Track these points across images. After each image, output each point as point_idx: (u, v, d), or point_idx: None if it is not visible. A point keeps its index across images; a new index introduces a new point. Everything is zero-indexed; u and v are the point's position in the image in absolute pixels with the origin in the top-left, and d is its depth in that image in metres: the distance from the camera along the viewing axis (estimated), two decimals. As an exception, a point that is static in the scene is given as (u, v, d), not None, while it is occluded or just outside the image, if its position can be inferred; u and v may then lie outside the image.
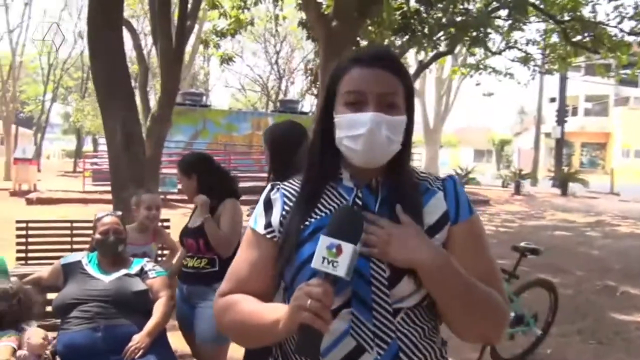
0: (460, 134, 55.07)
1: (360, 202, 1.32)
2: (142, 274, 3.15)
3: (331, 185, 1.37)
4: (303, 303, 1.12)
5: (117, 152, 4.08)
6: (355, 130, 1.26)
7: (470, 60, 20.09)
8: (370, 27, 12.36)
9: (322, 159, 1.36)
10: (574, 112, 43.20)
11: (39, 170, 23.59)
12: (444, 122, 30.77)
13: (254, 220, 1.41)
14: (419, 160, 26.54)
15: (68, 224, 5.76)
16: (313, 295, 1.12)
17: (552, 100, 35.26)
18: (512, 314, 4.43)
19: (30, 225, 5.68)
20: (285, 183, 1.43)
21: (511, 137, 50.67)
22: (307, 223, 1.32)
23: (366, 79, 1.29)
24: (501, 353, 4.40)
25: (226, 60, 14.50)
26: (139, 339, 2.82)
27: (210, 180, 3.24)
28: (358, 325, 1.24)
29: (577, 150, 44.73)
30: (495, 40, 17.35)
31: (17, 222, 5.72)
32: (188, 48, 24.66)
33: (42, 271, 3.35)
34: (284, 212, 1.37)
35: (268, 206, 1.40)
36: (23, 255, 5.58)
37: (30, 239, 5.63)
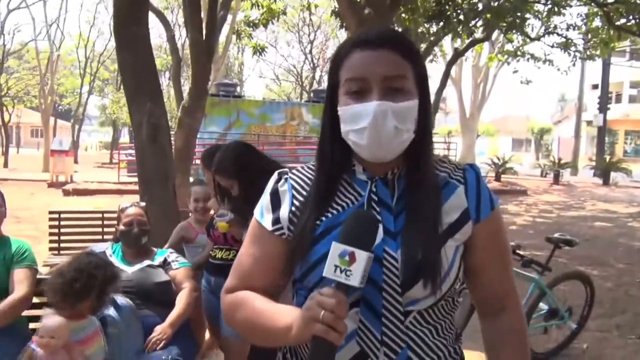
0: (498, 123, 54.12)
1: (375, 197, 1.23)
2: (165, 265, 3.14)
3: (344, 179, 1.27)
4: (316, 314, 1.04)
5: (143, 144, 4.08)
6: (358, 123, 1.15)
7: (508, 47, 19.60)
8: (403, 15, 12.14)
9: (333, 153, 1.25)
10: (618, 99, 41.92)
11: (76, 162, 24.17)
12: (481, 111, 30.22)
13: (260, 212, 1.31)
14: (454, 149, 26.07)
15: (99, 215, 5.84)
16: (326, 306, 1.03)
17: (595, 87, 34.26)
18: (546, 307, 4.30)
19: (62, 216, 5.78)
20: (294, 171, 1.34)
21: (551, 125, 49.54)
22: (318, 221, 1.23)
23: (368, 63, 1.16)
24: (534, 347, 4.26)
25: (259, 50, 14.48)
26: (161, 330, 2.80)
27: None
28: (364, 332, 1.17)
29: (621, 139, 43.39)
30: (534, 25, 16.87)
31: (50, 212, 5.83)
32: (222, 39, 24.82)
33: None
34: (293, 208, 1.27)
35: (275, 199, 1.30)
36: (56, 245, 5.69)
37: (62, 230, 5.73)
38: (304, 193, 1.28)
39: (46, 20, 30.80)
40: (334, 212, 1.23)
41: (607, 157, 25.05)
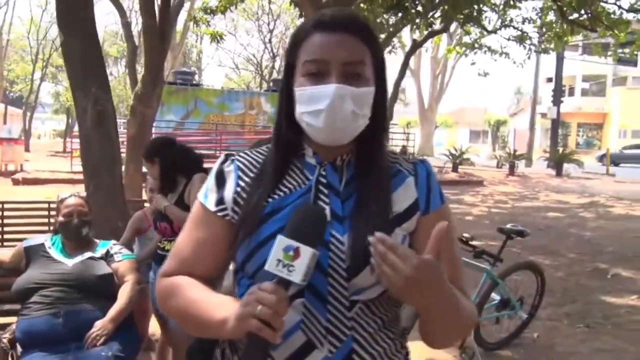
0: (456, 115, 54.99)
1: (324, 181, 1.20)
2: (107, 257, 3.01)
3: (293, 162, 1.24)
4: (252, 310, 0.99)
5: (88, 130, 3.93)
6: (315, 104, 1.13)
7: (466, 39, 19.85)
8: (361, 5, 12.11)
9: (286, 135, 1.22)
10: (571, 92, 43.14)
11: (27, 150, 23.40)
12: (439, 102, 30.67)
13: (204, 194, 1.26)
14: (412, 140, 26.34)
15: (45, 205, 5.62)
16: (265, 302, 0.99)
17: (549, 80, 35.10)
18: (498, 298, 4.34)
19: (6, 206, 5.54)
20: (241, 154, 1.29)
21: (507, 117, 50.61)
22: (265, 202, 1.19)
23: (329, 46, 1.13)
24: (485, 337, 4.31)
25: (216, 38, 14.21)
26: (101, 325, 2.68)
27: (172, 162, 3.26)
28: (310, 319, 1.12)
29: (574, 131, 44.69)
30: (490, 18, 17.12)
31: (-8, 203, 5.58)
32: (179, 26, 24.42)
33: (4, 254, 3.21)
34: (238, 189, 1.23)
35: (220, 180, 1.26)
36: (-1, 237, 5.46)
37: (6, 220, 5.51)
38: (251, 175, 1.25)
39: (-5, 3, 29.63)
40: (281, 194, 1.20)
41: (560, 149, 25.71)
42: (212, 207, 1.24)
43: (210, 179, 1.28)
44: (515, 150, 24.45)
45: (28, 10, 70.24)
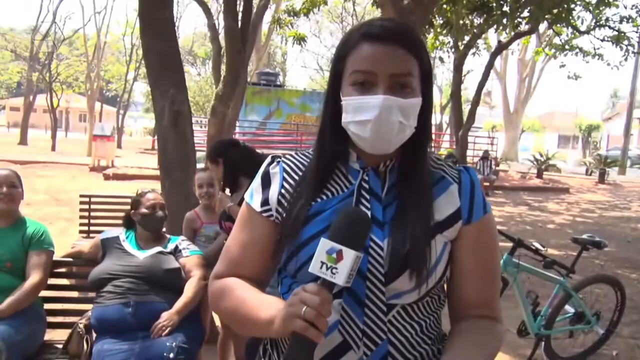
0: (545, 119, 52.83)
1: (366, 186, 1.22)
2: (176, 252, 3.15)
3: (338, 166, 1.26)
4: (297, 310, 1.02)
5: (165, 130, 4.10)
6: (362, 115, 1.14)
7: (557, 40, 19.00)
8: (445, 6, 11.88)
9: (331, 140, 1.24)
10: (672, 96, 40.23)
11: (119, 147, 24.67)
12: (525, 106, 29.56)
13: (250, 194, 1.31)
14: (496, 145, 25.54)
15: (129, 200, 5.90)
16: (309, 303, 1.01)
17: (649, 82, 32.99)
18: (572, 311, 4.15)
19: (93, 199, 5.87)
20: (287, 156, 1.33)
21: (600, 122, 47.98)
22: (308, 205, 1.22)
23: (377, 58, 1.14)
24: (558, 351, 4.12)
25: (298, 40, 14.39)
26: (167, 317, 2.81)
27: (235, 163, 3.35)
28: (347, 321, 1.15)
29: (675, 138, 41.71)
30: (584, 18, 16.29)
31: (81, 196, 5.94)
32: (265, 28, 24.91)
33: (84, 244, 3.42)
34: (282, 190, 1.27)
35: (266, 181, 1.30)
36: (85, 228, 5.80)
37: (92, 213, 5.84)
38: (296, 177, 1.28)
39: (94, 8, 31.51)
40: (324, 197, 1.23)
41: (658, 157, 24.09)
42: (257, 207, 1.28)
43: (257, 180, 1.32)
44: (606, 157, 23.14)
45: (124, 14, 74.25)
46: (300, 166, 1.30)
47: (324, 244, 1.05)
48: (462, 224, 1.21)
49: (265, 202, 1.28)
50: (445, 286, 1.27)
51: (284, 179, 1.28)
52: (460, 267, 1.23)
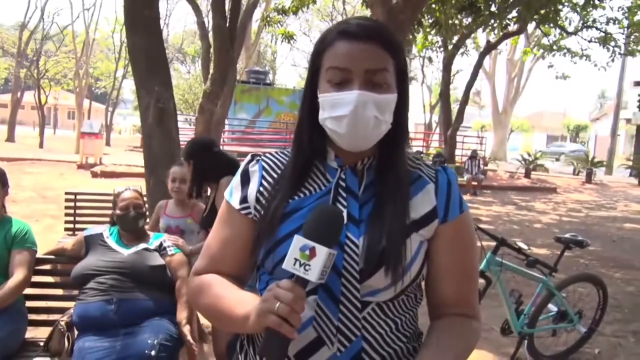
0: (533, 119, 53.19)
1: (343, 184, 1.23)
2: (160, 249, 3.14)
3: (316, 164, 1.27)
4: (271, 306, 1.03)
5: (150, 127, 4.09)
6: (338, 110, 1.16)
7: (545, 40, 19.13)
8: (433, 5, 11.93)
9: (309, 137, 1.26)
10: (659, 97, 40.57)
11: (108, 145, 24.51)
12: (514, 106, 29.70)
13: (230, 192, 1.33)
14: (484, 144, 25.66)
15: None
16: (282, 299, 1.03)
17: (637, 84, 33.28)
18: (555, 309, 4.18)
19: (78, 197, 5.83)
20: (267, 154, 1.35)
21: (588, 122, 48.35)
22: (285, 203, 1.24)
23: (352, 55, 1.16)
24: (541, 349, 4.16)
25: (287, 38, 14.40)
26: (187, 344, 2.85)
27: (203, 169, 3.39)
28: (322, 317, 1.16)
29: (661, 139, 42.05)
30: (571, 19, 16.42)
31: (66, 193, 5.90)
32: (254, 26, 24.86)
33: (67, 242, 3.41)
34: (260, 188, 1.28)
35: (245, 179, 1.31)
36: (71, 226, 5.76)
37: (78, 210, 5.79)
38: (274, 175, 1.29)
39: (83, 5, 31.27)
40: (301, 195, 1.24)
41: (645, 157, 24.32)
42: (236, 205, 1.30)
43: (236, 178, 1.33)
44: (593, 157, 23.33)
45: (113, 11, 73.74)
46: (280, 164, 1.31)
47: (298, 241, 1.06)
48: (438, 222, 1.22)
49: (244, 199, 1.29)
50: (422, 285, 1.29)
51: (262, 177, 1.30)
52: (437, 265, 1.24)
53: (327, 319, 1.15)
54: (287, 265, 1.06)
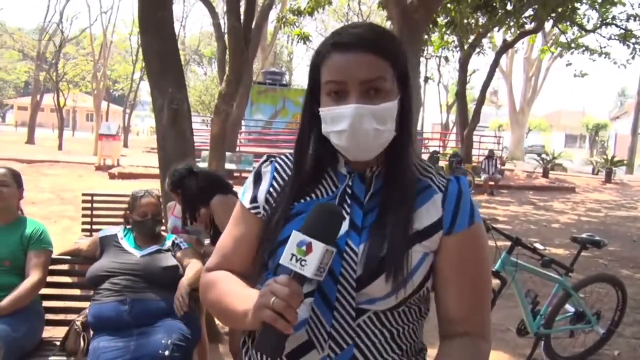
0: (551, 118, 52.64)
1: (350, 191, 1.22)
2: (173, 247, 3.18)
3: (328, 170, 1.27)
4: (267, 301, 1.04)
5: (164, 128, 4.12)
6: (338, 125, 1.15)
7: (562, 38, 18.92)
8: (449, 5, 11.86)
9: (315, 147, 1.26)
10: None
11: (125, 146, 24.74)
12: (532, 105, 29.43)
13: (243, 191, 1.35)
14: (501, 144, 25.44)
15: (131, 198, 5.93)
16: (278, 293, 1.03)
17: (658, 81, 32.76)
18: (572, 310, 4.13)
19: (95, 198, 5.90)
20: (282, 156, 1.35)
21: (607, 121, 47.71)
22: (292, 205, 1.25)
23: (346, 66, 1.14)
24: (558, 350, 4.11)
25: (302, 39, 14.43)
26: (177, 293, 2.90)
27: (192, 194, 3.43)
28: (315, 322, 1.15)
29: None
30: (590, 16, 16.21)
31: (84, 195, 5.97)
32: (270, 27, 24.93)
33: (82, 242, 3.44)
34: (270, 189, 1.30)
35: (257, 179, 1.33)
36: (88, 227, 5.82)
37: (95, 212, 5.87)
38: (285, 177, 1.30)
39: (100, 7, 31.55)
40: (308, 198, 1.25)
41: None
42: (246, 204, 1.31)
43: (250, 178, 1.35)
44: (613, 156, 23.02)
45: (131, 13, 74.58)
46: (292, 166, 1.31)
47: (295, 237, 1.07)
48: (442, 234, 1.19)
49: (254, 199, 1.30)
50: (433, 299, 1.25)
51: (273, 177, 1.31)
52: (444, 279, 1.20)
53: (319, 324, 1.15)
54: (284, 260, 1.06)
